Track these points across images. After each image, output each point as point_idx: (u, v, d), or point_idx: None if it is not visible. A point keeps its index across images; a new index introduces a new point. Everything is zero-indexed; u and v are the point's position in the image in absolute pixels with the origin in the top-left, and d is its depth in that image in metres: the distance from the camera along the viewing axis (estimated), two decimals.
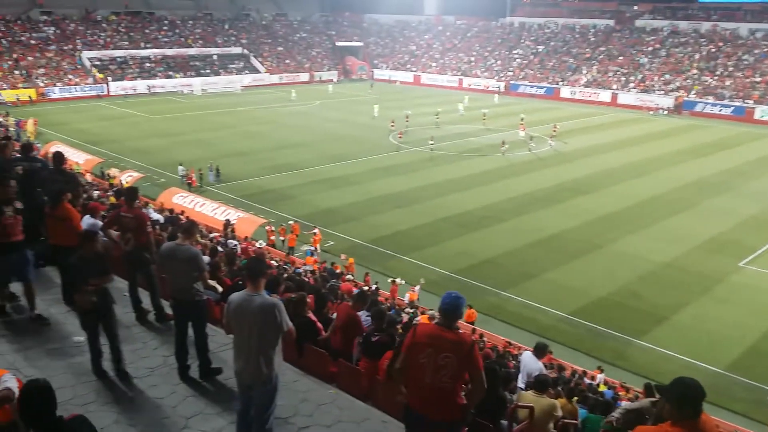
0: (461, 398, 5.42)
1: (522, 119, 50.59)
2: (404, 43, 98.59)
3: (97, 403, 6.83)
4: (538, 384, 7.58)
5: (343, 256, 23.23)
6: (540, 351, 9.91)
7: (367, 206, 31.22)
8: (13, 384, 4.68)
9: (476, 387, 5.29)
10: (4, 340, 8.08)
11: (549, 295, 22.15)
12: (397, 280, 21.81)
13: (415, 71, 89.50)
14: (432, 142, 43.39)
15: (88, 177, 29.27)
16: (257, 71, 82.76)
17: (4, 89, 60.11)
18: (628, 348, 19.21)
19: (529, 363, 9.56)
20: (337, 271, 20.81)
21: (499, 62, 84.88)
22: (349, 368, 7.76)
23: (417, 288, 20.92)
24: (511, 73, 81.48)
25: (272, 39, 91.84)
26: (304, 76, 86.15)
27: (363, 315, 8.73)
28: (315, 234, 25.55)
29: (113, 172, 32.94)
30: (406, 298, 20.50)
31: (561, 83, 75.96)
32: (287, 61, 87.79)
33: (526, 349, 12.91)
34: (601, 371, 16.80)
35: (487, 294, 22.20)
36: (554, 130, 47.63)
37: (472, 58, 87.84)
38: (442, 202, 32.06)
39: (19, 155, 11.27)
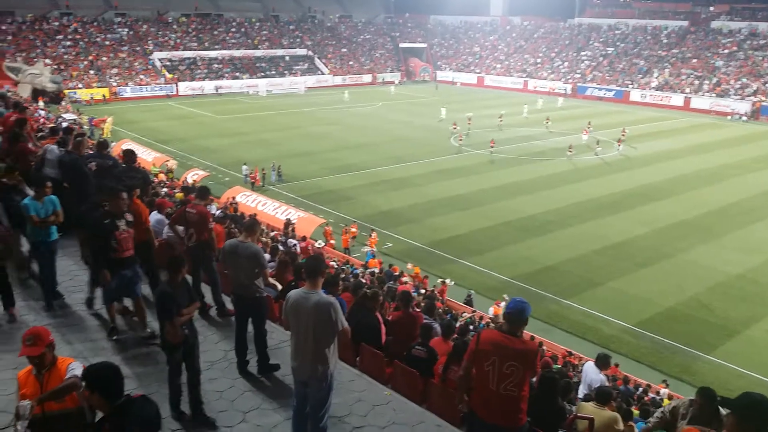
0: (526, 403, 5.32)
1: (589, 123, 49.38)
2: (468, 44, 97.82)
3: (159, 395, 6.98)
4: (600, 396, 7.33)
5: (410, 265, 23.05)
6: (602, 362, 9.61)
7: (426, 209, 31.05)
8: (80, 372, 4.81)
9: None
10: (73, 329, 8.40)
11: (613, 305, 21.44)
12: (447, 281, 21.48)
13: (478, 73, 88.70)
14: (492, 146, 42.90)
15: (161, 176, 30.28)
16: (321, 73, 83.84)
17: (80, 88, 62.96)
18: (696, 362, 18.40)
19: (591, 374, 9.30)
20: (395, 273, 20.71)
21: (566, 64, 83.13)
22: (405, 370, 7.70)
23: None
24: (578, 75, 79.65)
25: (336, 40, 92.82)
26: (367, 78, 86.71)
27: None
28: (372, 236, 25.57)
29: (170, 164, 33.94)
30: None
31: (631, 86, 73.69)
32: (350, 63, 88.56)
33: (587, 360, 12.55)
34: (666, 385, 16.15)
35: (547, 301, 21.69)
36: (623, 135, 46.22)
37: (539, 60, 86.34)
38: (503, 205, 31.56)
39: (92, 152, 11.73)
